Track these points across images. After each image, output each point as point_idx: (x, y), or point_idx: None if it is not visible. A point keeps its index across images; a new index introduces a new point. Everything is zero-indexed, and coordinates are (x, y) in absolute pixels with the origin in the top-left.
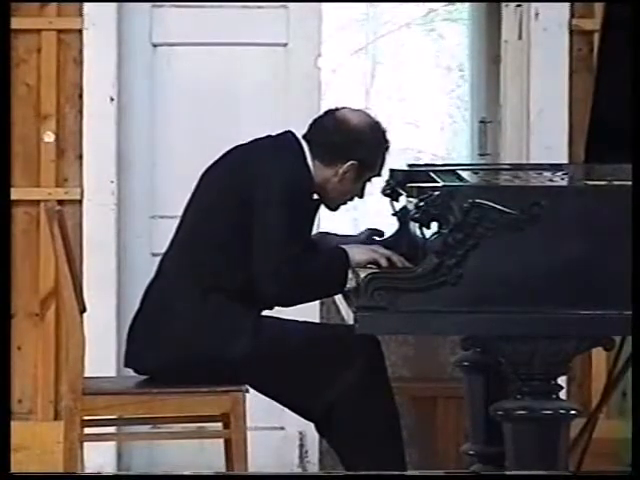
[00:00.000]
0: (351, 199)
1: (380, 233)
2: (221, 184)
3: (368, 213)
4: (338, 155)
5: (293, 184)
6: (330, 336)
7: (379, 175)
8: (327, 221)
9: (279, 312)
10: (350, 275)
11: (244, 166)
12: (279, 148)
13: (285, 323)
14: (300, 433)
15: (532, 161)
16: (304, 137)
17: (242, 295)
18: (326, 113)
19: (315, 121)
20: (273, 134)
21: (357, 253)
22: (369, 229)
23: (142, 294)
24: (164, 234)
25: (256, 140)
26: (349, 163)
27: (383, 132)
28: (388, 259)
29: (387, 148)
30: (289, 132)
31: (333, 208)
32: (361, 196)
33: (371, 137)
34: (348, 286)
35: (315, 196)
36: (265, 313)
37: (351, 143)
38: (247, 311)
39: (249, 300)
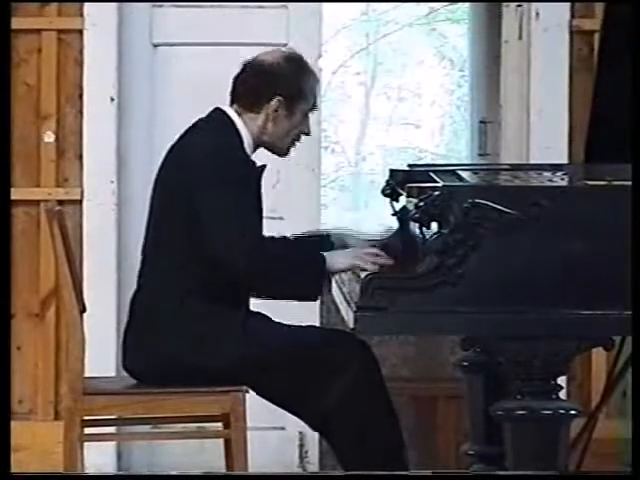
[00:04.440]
0: (298, 138)
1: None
2: (165, 186)
3: (368, 213)
4: (260, 97)
5: (224, 159)
6: (320, 340)
7: (315, 107)
8: (328, 222)
9: (275, 313)
10: (349, 272)
11: (176, 161)
12: (203, 129)
13: (273, 326)
14: (300, 433)
15: (532, 161)
16: (231, 101)
17: (226, 292)
18: (242, 65)
19: (234, 78)
20: (202, 116)
21: (337, 261)
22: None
23: (129, 306)
24: None
25: (184, 133)
26: (274, 100)
27: (299, 61)
28: (373, 261)
29: (310, 76)
30: (216, 108)
31: (284, 153)
32: (307, 132)
33: (286, 68)
34: (347, 287)
35: (257, 163)
36: (256, 314)
37: (267, 80)
38: (233, 313)
39: (234, 297)
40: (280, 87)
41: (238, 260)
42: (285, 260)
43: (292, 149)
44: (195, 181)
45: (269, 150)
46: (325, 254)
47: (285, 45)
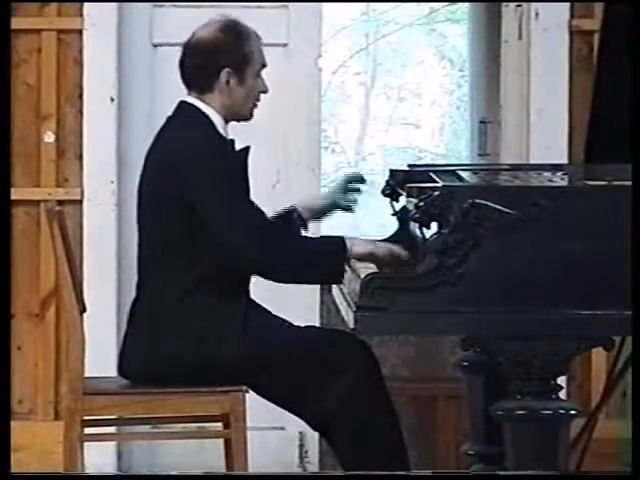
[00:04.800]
0: (257, 99)
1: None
2: (154, 191)
3: (368, 213)
4: (207, 75)
5: (209, 157)
6: (320, 340)
7: (264, 65)
8: (328, 222)
9: (275, 311)
10: (349, 272)
11: (159, 167)
12: (177, 129)
13: (274, 325)
14: (300, 433)
15: (532, 161)
16: (186, 88)
17: (227, 289)
18: (182, 49)
19: (179, 63)
20: (169, 114)
21: (357, 245)
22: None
23: (128, 314)
24: None
25: (159, 135)
26: (222, 74)
27: (234, 27)
28: (391, 254)
29: (250, 38)
30: (181, 102)
31: (248, 117)
32: (265, 90)
33: (222, 39)
34: (347, 287)
35: (234, 147)
36: (257, 310)
37: (207, 57)
38: (233, 312)
39: (235, 294)
40: (222, 60)
41: (262, 253)
42: (306, 242)
43: (255, 110)
44: (187, 186)
45: (235, 120)
46: (345, 237)
47: (285, 45)
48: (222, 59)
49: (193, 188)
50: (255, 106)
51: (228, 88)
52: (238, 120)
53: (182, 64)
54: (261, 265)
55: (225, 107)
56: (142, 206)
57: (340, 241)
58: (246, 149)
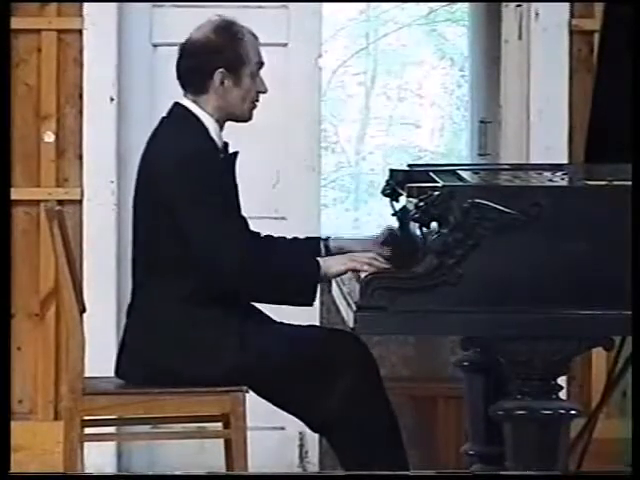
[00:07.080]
0: (256, 99)
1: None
2: (145, 198)
3: (369, 213)
4: (202, 76)
5: (195, 165)
6: (318, 341)
7: (261, 64)
8: (328, 222)
9: (275, 312)
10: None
11: (150, 171)
12: (168, 132)
13: (271, 327)
14: (300, 433)
15: (532, 161)
16: (182, 89)
17: (221, 296)
18: (178, 50)
19: (175, 64)
20: (164, 115)
21: (333, 265)
22: (388, 229)
23: (125, 317)
24: None
25: (152, 137)
26: (215, 75)
27: (228, 28)
28: (369, 264)
29: (244, 38)
30: (175, 103)
31: (247, 118)
32: (264, 90)
33: (215, 40)
34: (347, 287)
35: (227, 150)
36: (254, 313)
37: (201, 58)
38: (230, 316)
39: (231, 300)
40: (216, 60)
41: (230, 268)
42: (279, 264)
43: (254, 110)
44: (172, 193)
45: (233, 120)
46: (320, 259)
47: (285, 45)
48: (215, 60)
49: (175, 197)
50: (254, 107)
51: (223, 89)
52: (237, 121)
53: (178, 66)
54: (231, 281)
55: (220, 109)
56: (135, 211)
57: (316, 266)
58: (234, 154)
